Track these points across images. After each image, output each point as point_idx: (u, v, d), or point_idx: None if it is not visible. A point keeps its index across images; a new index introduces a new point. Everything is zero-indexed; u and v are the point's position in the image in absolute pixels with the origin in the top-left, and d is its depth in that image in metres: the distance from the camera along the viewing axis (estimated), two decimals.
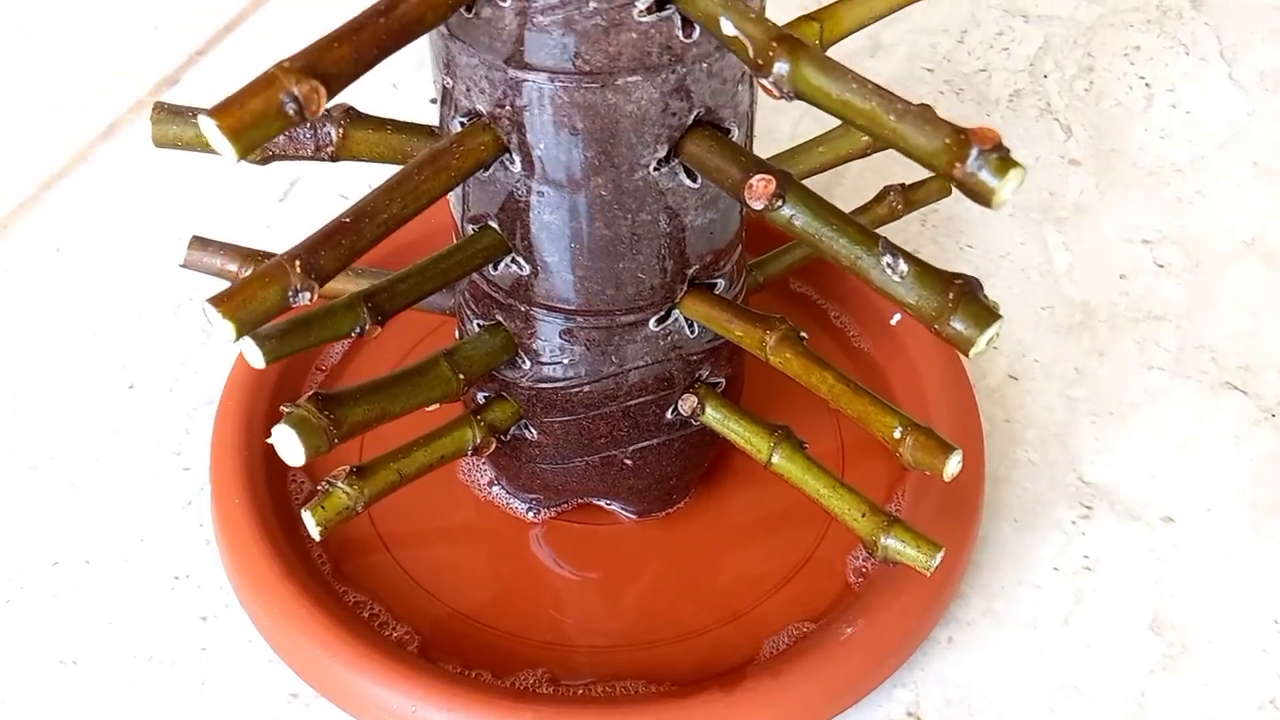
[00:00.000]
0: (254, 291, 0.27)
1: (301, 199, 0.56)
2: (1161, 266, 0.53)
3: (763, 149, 0.36)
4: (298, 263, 0.27)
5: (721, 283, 0.37)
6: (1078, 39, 0.65)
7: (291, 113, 0.24)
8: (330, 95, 0.25)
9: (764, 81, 0.27)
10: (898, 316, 0.46)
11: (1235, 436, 0.47)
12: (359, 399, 0.33)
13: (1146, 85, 0.62)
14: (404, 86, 0.61)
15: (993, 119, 0.61)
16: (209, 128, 0.24)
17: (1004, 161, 0.25)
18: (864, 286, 0.44)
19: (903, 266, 0.29)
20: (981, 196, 0.25)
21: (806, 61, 0.27)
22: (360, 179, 0.56)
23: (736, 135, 0.33)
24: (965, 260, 0.54)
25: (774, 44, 0.27)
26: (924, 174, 0.49)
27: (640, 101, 0.30)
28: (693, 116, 0.31)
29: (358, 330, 0.31)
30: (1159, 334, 0.50)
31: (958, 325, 0.28)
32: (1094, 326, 0.51)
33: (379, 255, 0.34)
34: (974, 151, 0.25)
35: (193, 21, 0.64)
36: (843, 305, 0.49)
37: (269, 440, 0.32)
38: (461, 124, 0.32)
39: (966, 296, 0.28)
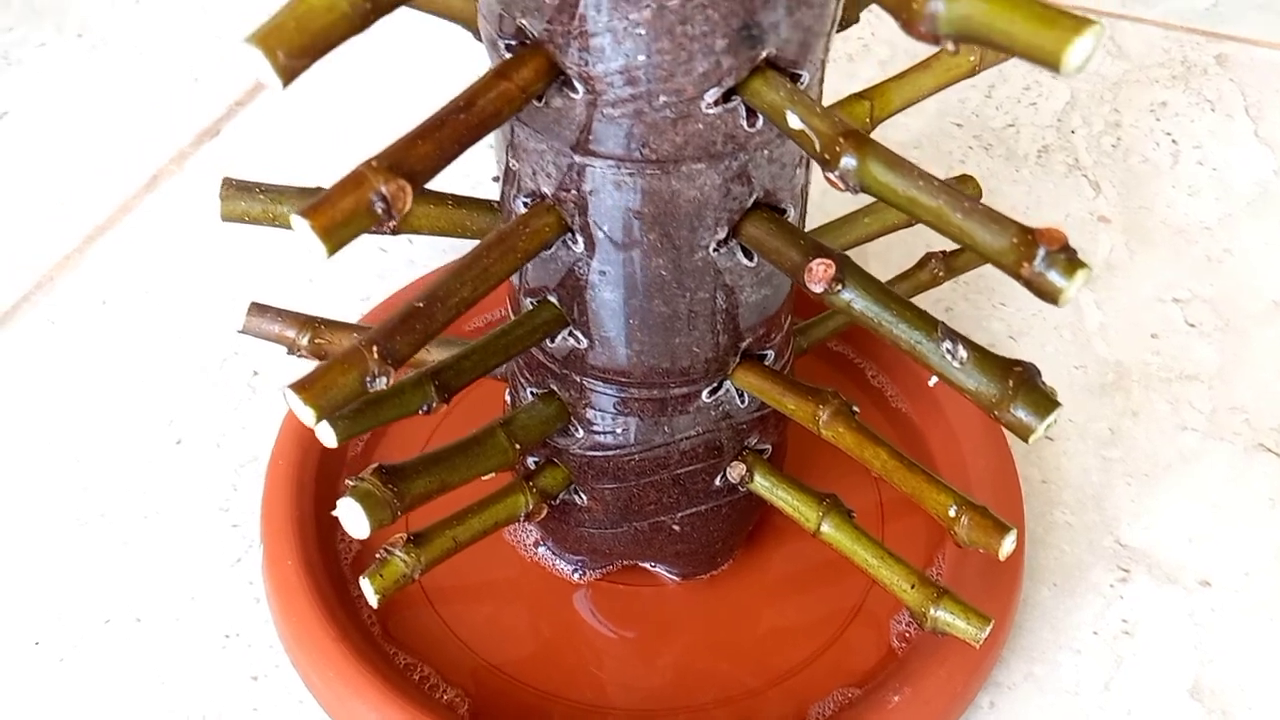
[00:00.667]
0: (334, 378, 0.27)
1: (342, 252, 0.56)
2: (1193, 326, 0.54)
3: None
4: (375, 348, 0.28)
5: (771, 353, 0.37)
6: (1104, 95, 0.66)
7: (380, 211, 0.25)
8: (415, 191, 0.26)
9: (830, 175, 0.28)
10: (935, 378, 0.47)
11: (1270, 499, 0.47)
12: (421, 471, 0.33)
13: (1173, 142, 0.63)
14: None
15: (1022, 174, 0.61)
16: (300, 226, 0.25)
17: (1072, 263, 0.25)
18: None
19: (962, 353, 0.30)
20: (1049, 295, 0.25)
21: (873, 158, 0.27)
22: None
23: (792, 215, 0.34)
24: (998, 318, 0.54)
25: (841, 139, 0.28)
26: None
27: (703, 187, 0.31)
28: (752, 200, 0.32)
29: (425, 408, 0.31)
30: (1192, 394, 0.51)
31: (1019, 413, 0.29)
32: (1127, 386, 0.51)
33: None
34: (1041, 252, 0.25)
35: (232, 72, 0.65)
36: (880, 365, 0.49)
37: (333, 513, 0.33)
38: (525, 204, 0.33)
39: (1026, 384, 0.29)
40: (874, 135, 0.39)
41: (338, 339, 0.39)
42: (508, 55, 0.30)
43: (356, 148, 0.64)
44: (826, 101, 0.33)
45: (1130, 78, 0.67)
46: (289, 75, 0.23)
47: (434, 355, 0.38)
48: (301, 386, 0.27)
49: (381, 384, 0.28)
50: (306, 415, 0.27)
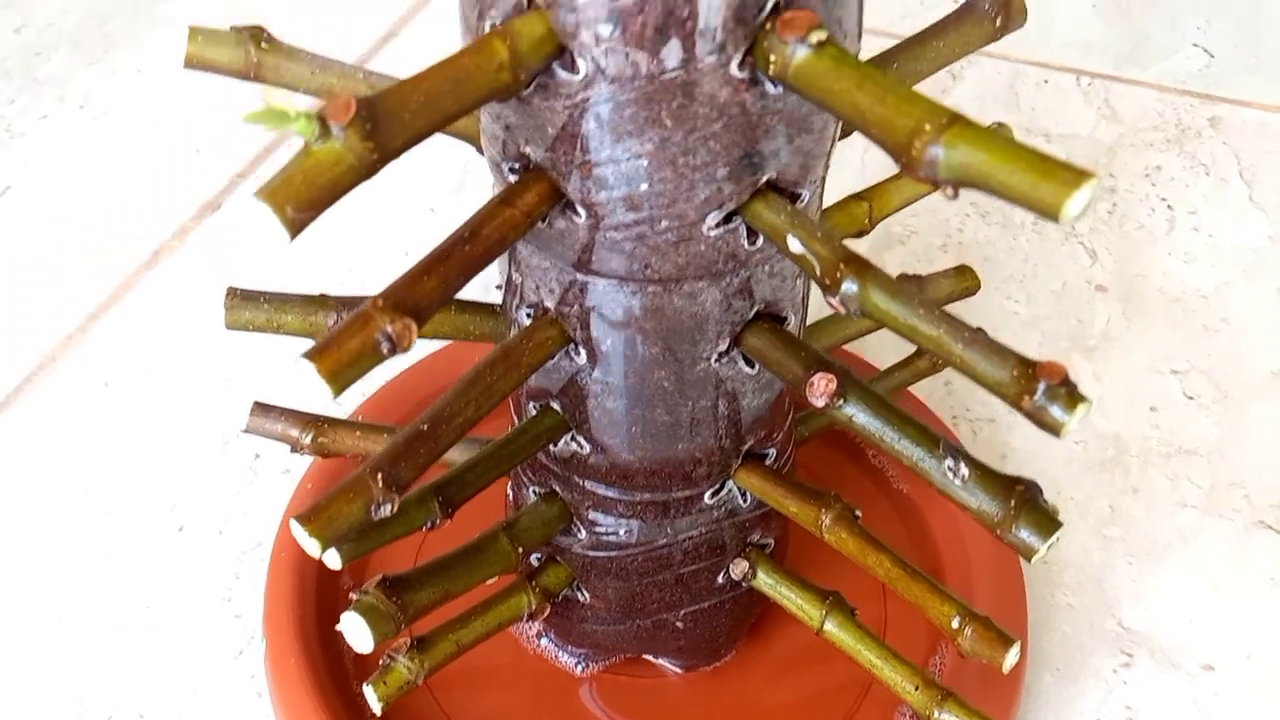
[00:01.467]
0: (339, 509, 0.28)
1: None
2: (1191, 398, 0.54)
3: None
4: (380, 476, 0.28)
5: (773, 451, 0.37)
6: (1099, 159, 0.66)
7: (385, 351, 0.25)
8: (420, 327, 0.26)
9: (831, 300, 0.28)
10: None
11: (1271, 579, 0.47)
12: (424, 582, 0.33)
13: (1169, 207, 0.63)
14: (441, 211, 0.63)
15: (1019, 242, 0.62)
16: (306, 369, 0.25)
17: (1073, 397, 0.25)
18: None
19: (964, 471, 0.30)
20: (1050, 429, 0.26)
21: (874, 285, 0.28)
22: None
23: (793, 323, 0.34)
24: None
25: (842, 264, 0.28)
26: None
27: (705, 303, 0.31)
28: (754, 311, 0.32)
29: (429, 524, 0.31)
30: (1191, 470, 0.51)
31: (1022, 534, 0.29)
32: (1126, 462, 0.52)
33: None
34: (1041, 386, 0.25)
35: (233, 144, 0.66)
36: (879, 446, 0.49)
37: (337, 627, 0.33)
38: (528, 314, 0.33)
39: (1029, 504, 0.29)
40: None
41: (340, 437, 0.39)
42: (511, 178, 0.30)
43: (355, 222, 0.64)
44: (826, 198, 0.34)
45: (1125, 141, 0.67)
46: (297, 228, 0.23)
47: None
48: (307, 519, 0.27)
49: (386, 511, 0.28)
50: (312, 547, 0.28)
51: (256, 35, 0.30)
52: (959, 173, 0.23)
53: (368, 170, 0.24)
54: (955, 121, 0.23)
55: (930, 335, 0.27)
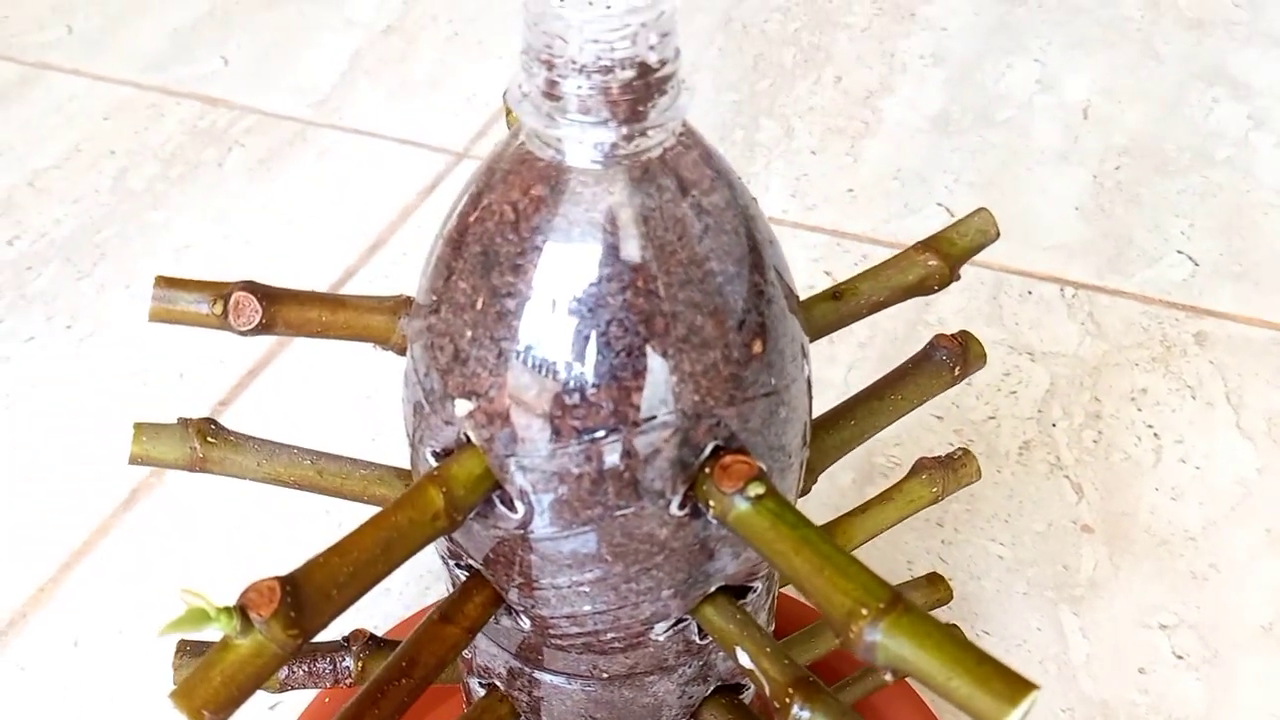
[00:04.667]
0: None
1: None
2: (1180, 658, 0.53)
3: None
4: None
5: None
6: (1084, 380, 0.66)
7: None
8: None
9: None
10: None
11: None
12: None
13: (1155, 435, 0.63)
14: None
15: (1003, 475, 0.61)
16: None
17: None
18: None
19: None
20: None
21: (824, 713, 0.27)
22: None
23: (750, 692, 0.33)
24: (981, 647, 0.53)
25: (791, 688, 0.27)
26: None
27: (658, 693, 0.31)
28: (710, 690, 0.32)
29: None
30: None
31: None
32: None
33: None
34: None
35: (216, 369, 0.66)
36: None
37: None
38: (480, 684, 0.33)
39: None
40: None
41: None
42: (460, 574, 0.30)
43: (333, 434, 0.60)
44: None
45: (1110, 360, 0.67)
46: None
47: None
48: None
49: None
50: None
51: (203, 430, 0.30)
52: (896, 663, 0.23)
53: (291, 654, 0.23)
54: (894, 607, 0.23)
55: None
